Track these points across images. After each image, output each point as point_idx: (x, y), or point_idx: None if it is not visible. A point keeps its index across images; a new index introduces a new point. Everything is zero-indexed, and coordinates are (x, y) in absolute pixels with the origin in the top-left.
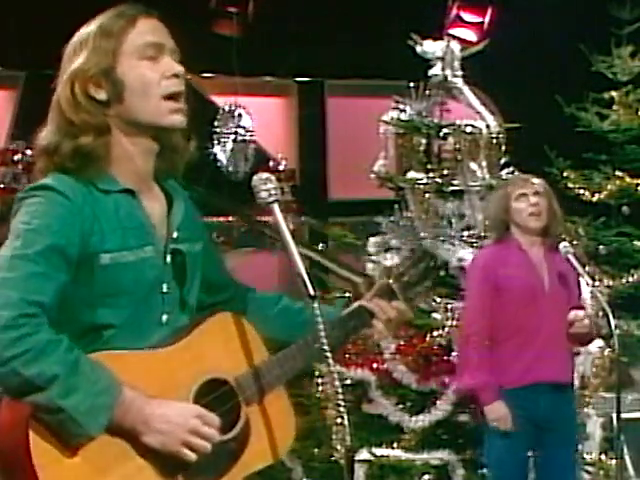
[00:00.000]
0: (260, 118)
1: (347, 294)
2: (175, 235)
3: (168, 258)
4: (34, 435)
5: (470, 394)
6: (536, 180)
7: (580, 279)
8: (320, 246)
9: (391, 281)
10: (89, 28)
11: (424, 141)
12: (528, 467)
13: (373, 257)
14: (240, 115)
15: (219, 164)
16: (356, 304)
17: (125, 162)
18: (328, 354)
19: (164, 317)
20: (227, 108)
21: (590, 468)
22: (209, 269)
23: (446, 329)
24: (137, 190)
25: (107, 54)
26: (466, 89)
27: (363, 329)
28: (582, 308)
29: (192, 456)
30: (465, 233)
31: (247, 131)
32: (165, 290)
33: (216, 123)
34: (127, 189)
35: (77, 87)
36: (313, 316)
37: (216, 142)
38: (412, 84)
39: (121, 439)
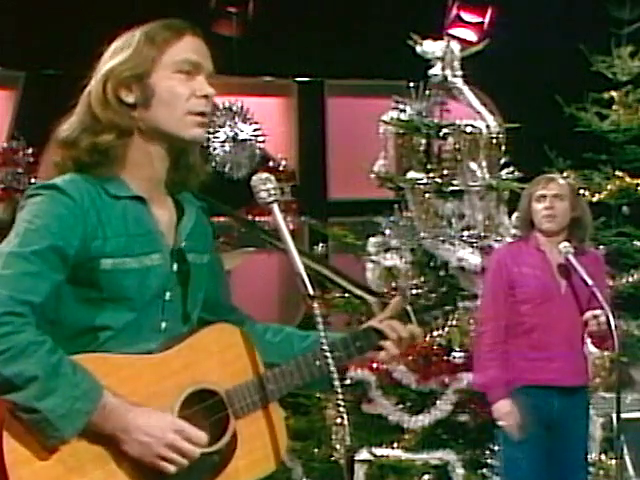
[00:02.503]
0: (260, 118)
1: (347, 294)
2: (183, 244)
3: (175, 266)
4: (8, 433)
5: (481, 392)
6: (561, 181)
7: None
8: (320, 246)
9: (405, 303)
10: (135, 32)
11: (424, 141)
12: (542, 466)
13: (373, 257)
14: (240, 115)
15: (218, 164)
16: (364, 325)
17: (139, 167)
18: (328, 354)
19: (163, 324)
20: (227, 108)
21: (590, 468)
22: (211, 286)
23: (446, 329)
24: (148, 197)
25: (146, 60)
26: (466, 89)
27: (369, 350)
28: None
29: (169, 469)
30: (465, 233)
31: (247, 131)
32: (167, 298)
33: (215, 123)
34: (138, 196)
35: (109, 86)
36: (316, 339)
37: (216, 142)
38: (412, 84)
39: (100, 445)
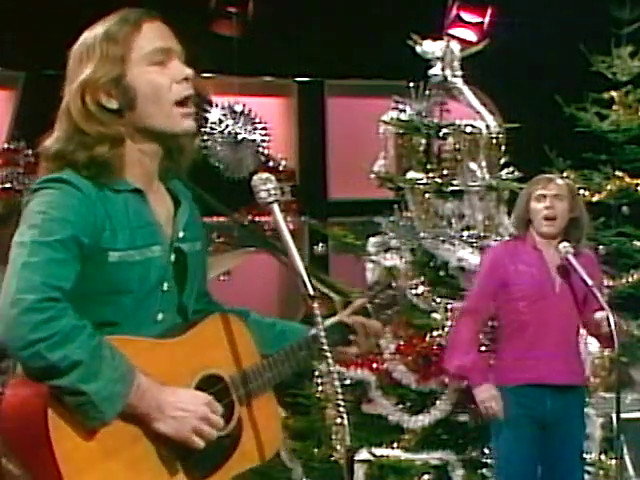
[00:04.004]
0: (260, 118)
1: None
2: (180, 235)
3: (172, 257)
4: (52, 411)
5: (459, 377)
6: (560, 182)
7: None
8: (320, 246)
9: (366, 302)
10: (93, 33)
11: (424, 141)
12: (536, 465)
13: (373, 257)
14: (241, 114)
15: (218, 164)
16: (334, 319)
17: (135, 165)
18: (328, 354)
19: (159, 315)
20: (227, 108)
21: (590, 468)
22: (200, 275)
23: (446, 329)
24: (146, 190)
25: (115, 62)
26: (466, 89)
27: (339, 344)
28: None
29: (200, 443)
30: (465, 233)
31: (248, 131)
32: (165, 289)
33: (216, 123)
34: (136, 189)
35: (88, 97)
36: (286, 329)
37: (216, 142)
38: (412, 84)
39: (134, 424)
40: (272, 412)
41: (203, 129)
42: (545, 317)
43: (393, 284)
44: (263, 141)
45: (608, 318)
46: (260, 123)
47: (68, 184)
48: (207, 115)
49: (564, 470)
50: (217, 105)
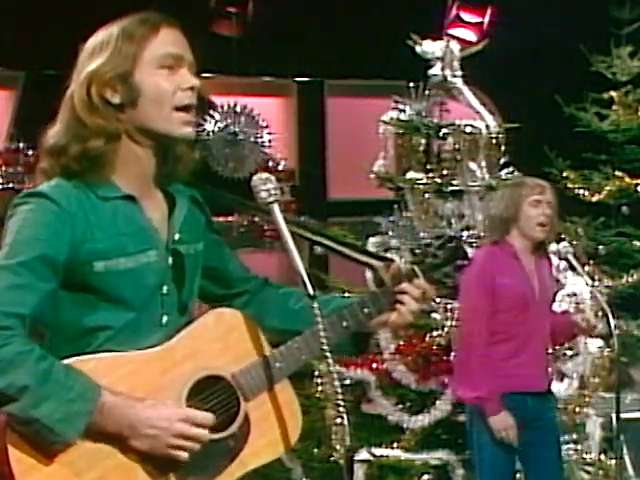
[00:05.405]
0: (260, 118)
1: (347, 294)
2: (176, 237)
3: (170, 260)
4: (12, 445)
5: (473, 404)
6: (550, 189)
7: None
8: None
9: (412, 264)
10: (110, 30)
11: (423, 141)
12: (514, 465)
13: None
14: (241, 114)
15: (219, 164)
16: (372, 290)
17: (129, 167)
18: (328, 354)
19: (164, 318)
20: (227, 108)
21: (590, 468)
22: (219, 262)
23: (446, 329)
24: (138, 195)
25: (127, 58)
26: (466, 89)
27: (378, 314)
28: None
29: (183, 456)
30: (465, 233)
31: (248, 131)
32: (165, 292)
33: (216, 123)
34: (127, 195)
35: (93, 89)
36: (339, 305)
37: (216, 142)
38: (412, 84)
39: (109, 443)
40: (288, 400)
41: (203, 129)
42: (528, 325)
43: (449, 241)
44: (263, 141)
45: (608, 318)
46: (260, 123)
47: (46, 198)
48: (207, 116)
49: (547, 464)
50: (217, 105)
